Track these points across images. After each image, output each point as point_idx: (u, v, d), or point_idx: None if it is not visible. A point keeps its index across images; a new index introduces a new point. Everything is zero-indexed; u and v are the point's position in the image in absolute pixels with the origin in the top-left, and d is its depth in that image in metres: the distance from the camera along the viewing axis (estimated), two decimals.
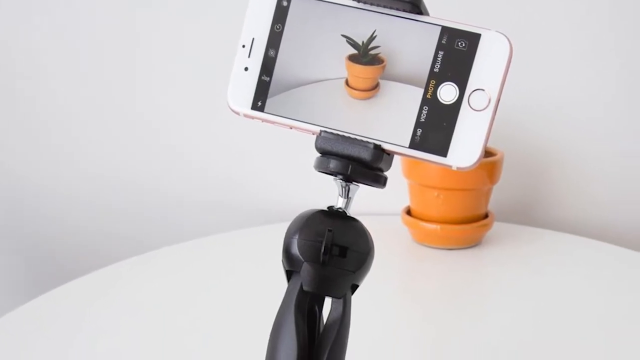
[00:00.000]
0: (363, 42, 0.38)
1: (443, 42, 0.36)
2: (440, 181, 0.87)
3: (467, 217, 0.89)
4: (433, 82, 0.37)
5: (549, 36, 0.99)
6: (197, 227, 1.06)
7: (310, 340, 0.38)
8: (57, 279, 0.83)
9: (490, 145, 0.89)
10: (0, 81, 1.06)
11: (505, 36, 0.36)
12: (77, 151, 1.08)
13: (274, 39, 0.39)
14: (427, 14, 0.37)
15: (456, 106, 0.36)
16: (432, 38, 0.37)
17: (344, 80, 0.38)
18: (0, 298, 1.12)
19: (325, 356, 0.37)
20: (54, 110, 1.07)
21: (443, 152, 0.36)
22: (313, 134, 0.39)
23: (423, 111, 0.37)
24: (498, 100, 0.36)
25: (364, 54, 0.38)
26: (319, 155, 0.39)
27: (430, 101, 0.37)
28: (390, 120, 0.37)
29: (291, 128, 0.39)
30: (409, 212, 0.93)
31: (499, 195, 0.97)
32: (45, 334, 0.67)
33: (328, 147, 0.38)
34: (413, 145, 0.37)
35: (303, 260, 0.38)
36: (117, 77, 1.05)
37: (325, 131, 0.38)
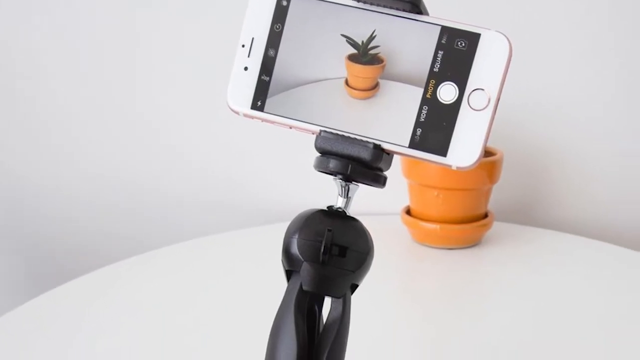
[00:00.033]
0: (363, 41, 0.38)
1: (443, 41, 0.37)
2: (440, 181, 0.88)
3: (467, 217, 0.89)
4: (433, 81, 0.37)
5: (549, 36, 0.99)
6: (197, 227, 1.06)
7: (309, 339, 0.38)
8: (57, 279, 0.83)
9: (490, 144, 0.89)
10: (0, 81, 1.06)
11: (505, 36, 0.36)
12: (77, 151, 1.08)
13: (274, 39, 0.39)
14: (427, 14, 0.37)
15: (456, 106, 0.36)
16: (431, 38, 0.37)
17: (343, 80, 0.38)
18: (0, 298, 1.12)
19: (325, 356, 0.37)
20: (54, 110, 1.07)
21: (443, 151, 0.36)
22: (313, 133, 0.39)
23: (423, 111, 0.37)
24: (498, 100, 0.36)
25: (364, 54, 0.38)
26: (318, 155, 0.39)
27: (430, 101, 0.37)
28: (390, 120, 0.37)
29: (291, 128, 0.39)
30: (408, 211, 0.93)
31: (498, 195, 0.97)
32: (45, 334, 0.67)
33: (328, 146, 0.38)
34: (413, 145, 0.37)
35: (303, 259, 0.38)
36: (117, 77, 1.05)
37: (325, 131, 0.38)
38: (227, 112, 0.40)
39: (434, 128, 0.36)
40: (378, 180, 0.39)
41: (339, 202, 0.40)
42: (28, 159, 1.09)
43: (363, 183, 0.39)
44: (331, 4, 0.38)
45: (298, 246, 0.38)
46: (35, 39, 1.03)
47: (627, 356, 0.64)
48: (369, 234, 0.39)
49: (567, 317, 0.71)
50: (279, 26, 0.39)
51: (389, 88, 0.37)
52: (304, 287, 0.38)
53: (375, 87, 0.38)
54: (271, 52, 0.39)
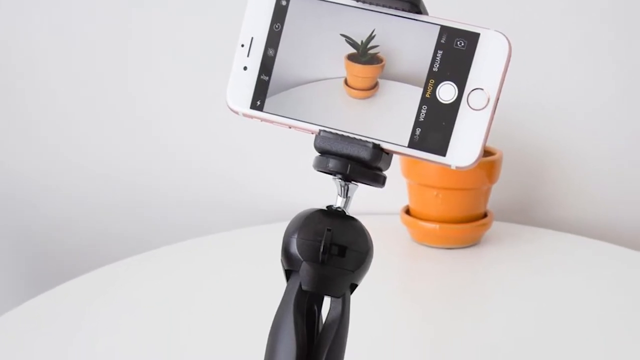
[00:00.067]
0: (362, 41, 0.38)
1: (442, 41, 0.37)
2: (439, 180, 0.88)
3: (466, 217, 0.89)
4: (432, 81, 0.37)
5: (548, 35, 0.99)
6: (197, 227, 1.06)
7: (309, 339, 0.38)
8: (57, 278, 0.83)
9: (489, 144, 0.89)
10: (0, 81, 1.06)
11: (504, 35, 0.36)
12: (77, 151, 1.08)
13: (273, 38, 0.39)
14: (426, 14, 0.37)
15: (455, 105, 0.36)
16: (431, 37, 0.37)
17: (343, 79, 0.38)
18: (0, 298, 1.12)
19: (324, 355, 0.37)
20: (54, 110, 1.07)
21: (442, 151, 0.36)
22: (312, 133, 0.39)
23: (422, 110, 0.37)
24: (497, 100, 0.36)
25: (363, 54, 0.38)
26: (318, 154, 0.39)
27: (429, 100, 0.37)
28: (389, 119, 0.37)
29: (290, 127, 0.39)
30: (408, 211, 0.93)
31: (498, 195, 0.97)
32: (44, 333, 0.67)
33: (327, 146, 0.38)
34: (412, 144, 0.37)
35: (302, 259, 0.38)
36: (118, 77, 1.05)
37: (325, 130, 0.38)
38: (226, 112, 0.40)
39: (433, 128, 0.36)
40: (377, 179, 0.39)
41: (339, 202, 0.40)
42: (28, 158, 1.09)
43: (362, 183, 0.39)
44: (330, 3, 0.38)
45: (297, 246, 0.38)
46: (35, 39, 1.03)
47: (627, 356, 0.64)
48: (368, 233, 0.39)
49: (566, 317, 0.71)
50: (279, 26, 0.39)
51: (389, 88, 0.37)
52: (303, 287, 0.38)
53: (374, 86, 0.38)
54: (270, 52, 0.39)
